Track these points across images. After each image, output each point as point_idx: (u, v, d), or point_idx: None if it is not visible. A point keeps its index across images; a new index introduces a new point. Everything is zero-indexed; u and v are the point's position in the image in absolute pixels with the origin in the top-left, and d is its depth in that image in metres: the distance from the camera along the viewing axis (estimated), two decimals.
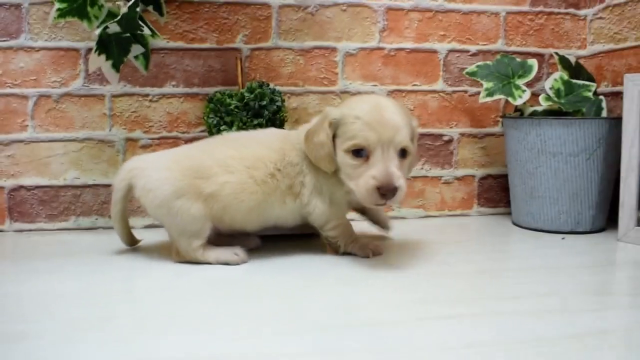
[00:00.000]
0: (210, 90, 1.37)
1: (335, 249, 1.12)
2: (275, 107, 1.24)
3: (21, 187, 1.34)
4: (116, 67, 1.18)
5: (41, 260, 1.09)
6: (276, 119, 1.24)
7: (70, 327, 0.74)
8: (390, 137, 0.95)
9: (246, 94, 1.22)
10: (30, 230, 1.35)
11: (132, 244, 1.17)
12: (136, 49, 1.19)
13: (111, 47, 1.17)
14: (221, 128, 1.21)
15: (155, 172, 1.05)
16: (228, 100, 1.22)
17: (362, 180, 0.95)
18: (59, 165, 1.34)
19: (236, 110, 1.21)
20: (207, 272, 1.00)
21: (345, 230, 1.10)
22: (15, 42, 1.33)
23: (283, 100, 1.26)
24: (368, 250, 1.09)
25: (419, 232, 1.33)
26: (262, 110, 1.22)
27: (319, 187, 1.06)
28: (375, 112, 0.97)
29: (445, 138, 1.49)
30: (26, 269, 1.03)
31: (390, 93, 1.45)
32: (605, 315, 0.79)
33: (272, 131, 1.15)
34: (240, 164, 1.05)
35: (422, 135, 1.48)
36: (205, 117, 1.25)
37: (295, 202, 1.07)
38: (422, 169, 1.48)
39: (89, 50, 1.33)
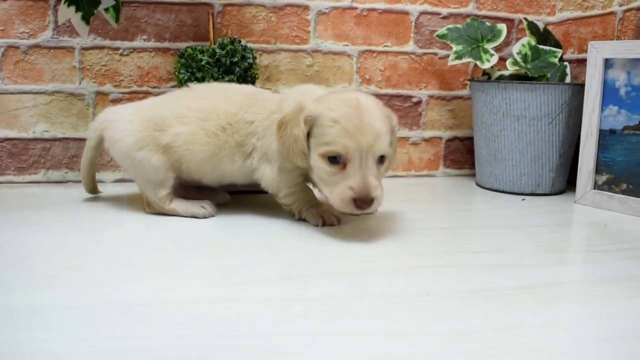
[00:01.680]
0: (182, 45, 1.37)
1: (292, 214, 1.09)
2: (246, 64, 1.25)
3: None
4: (86, 19, 1.17)
5: (11, 212, 1.09)
6: (247, 76, 1.25)
7: (41, 275, 0.75)
8: (370, 145, 0.90)
9: (217, 50, 1.23)
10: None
11: (93, 191, 1.22)
12: (107, 1, 1.18)
13: None
14: (191, 82, 1.21)
15: (120, 124, 1.08)
16: (199, 56, 1.22)
17: (337, 189, 0.91)
18: (28, 117, 1.34)
19: (207, 66, 1.22)
20: (176, 224, 1.02)
21: (301, 197, 1.06)
22: None
23: (254, 58, 1.27)
24: (319, 219, 1.03)
25: (385, 191, 1.34)
26: (233, 67, 1.23)
27: (269, 154, 1.03)
28: (355, 116, 0.91)
29: (414, 100, 1.52)
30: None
31: (362, 53, 1.47)
32: (557, 269, 0.83)
33: (242, 86, 1.14)
34: (195, 115, 1.06)
35: (392, 96, 1.50)
36: (176, 73, 1.25)
37: (244, 161, 1.05)
38: None
39: (59, 1, 1.31)
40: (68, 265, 0.79)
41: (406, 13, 1.48)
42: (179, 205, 1.08)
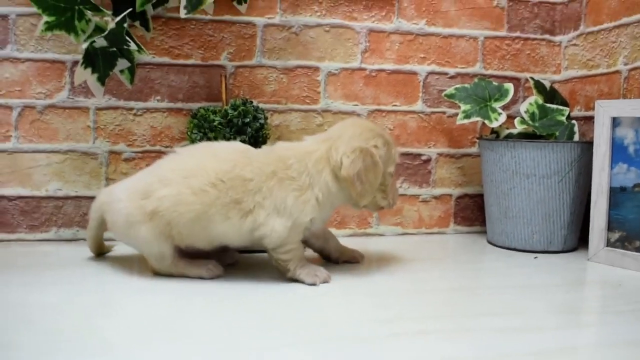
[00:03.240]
0: (194, 106, 1.40)
1: (283, 272, 1.08)
2: (258, 124, 1.26)
3: (3, 197, 1.35)
4: (102, 80, 1.20)
5: (21, 271, 1.10)
6: (259, 136, 1.27)
7: (50, 338, 0.75)
8: None
9: (230, 111, 1.25)
10: (10, 240, 1.36)
11: (101, 254, 1.24)
12: (122, 64, 1.21)
13: (97, 60, 1.19)
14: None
15: (114, 204, 1.09)
16: (212, 117, 1.24)
17: (389, 197, 1.13)
18: (41, 176, 1.36)
19: (220, 126, 1.24)
20: (184, 284, 1.02)
21: (297, 254, 1.07)
22: (1, 53, 1.34)
23: (266, 118, 1.29)
24: (315, 278, 1.05)
25: (396, 249, 1.36)
26: (245, 127, 1.25)
27: (282, 209, 1.03)
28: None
29: (424, 157, 1.53)
30: (5, 279, 1.04)
31: (371, 113, 1.49)
32: (572, 333, 0.82)
33: (231, 144, 1.14)
34: (179, 174, 1.05)
35: (402, 154, 1.51)
36: (188, 133, 1.27)
37: (242, 219, 1.03)
38: (400, 187, 1.52)
39: (75, 62, 1.35)
40: (78, 328, 0.79)
41: (414, 73, 1.51)
42: (185, 268, 1.08)
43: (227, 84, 1.39)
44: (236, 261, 1.19)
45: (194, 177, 1.04)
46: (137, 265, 1.15)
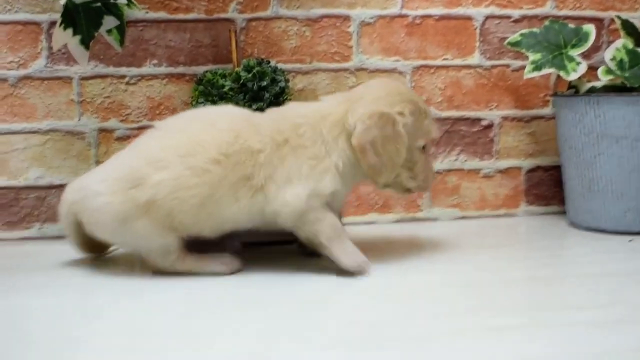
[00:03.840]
0: (199, 69, 1.40)
1: (318, 249, 1.08)
2: (277, 88, 1.26)
3: None
4: (85, 43, 1.20)
5: (1, 275, 1.11)
6: (279, 102, 1.26)
7: (43, 348, 0.76)
8: None
9: (242, 74, 1.24)
10: None
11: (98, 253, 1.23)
12: (109, 22, 1.21)
13: (79, 19, 1.19)
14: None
15: (92, 201, 1.06)
16: (221, 81, 1.24)
17: (429, 174, 1.14)
18: (18, 162, 1.37)
19: (231, 93, 1.23)
20: (189, 283, 1.03)
21: (329, 224, 1.05)
22: None
23: (287, 80, 1.28)
24: (354, 263, 1.04)
25: (454, 236, 1.35)
26: (262, 92, 1.24)
27: (296, 178, 1.04)
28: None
29: (484, 123, 1.51)
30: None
31: (416, 69, 1.47)
32: None
33: (226, 109, 1.14)
34: (173, 153, 1.04)
35: (456, 119, 1.49)
36: (193, 102, 1.27)
37: (252, 197, 1.04)
38: (456, 160, 1.50)
39: (52, 23, 1.35)
40: (69, 337, 0.80)
41: (469, 18, 1.49)
42: (194, 264, 1.09)
43: (238, 41, 1.39)
44: (237, 249, 1.20)
45: (192, 155, 1.04)
46: (140, 264, 1.16)
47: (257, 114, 1.12)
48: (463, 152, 1.51)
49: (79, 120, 1.38)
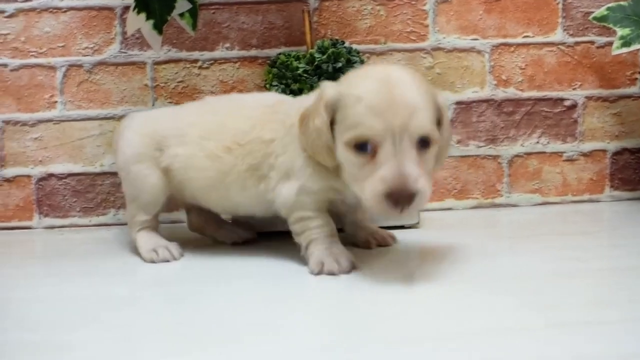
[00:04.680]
0: (272, 52, 1.39)
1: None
2: (353, 69, 1.24)
3: (51, 175, 1.41)
4: (158, 27, 1.21)
5: (77, 261, 1.13)
6: None
7: (119, 335, 0.76)
8: (404, 122, 0.86)
9: (317, 55, 1.23)
10: (62, 226, 1.42)
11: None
12: (182, 5, 1.21)
13: (152, 3, 1.19)
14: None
15: (127, 133, 1.16)
16: (295, 64, 1.23)
17: (368, 184, 0.87)
18: (94, 148, 1.40)
19: (305, 75, 1.23)
20: (265, 270, 1.02)
21: (313, 228, 1.01)
22: (38, 2, 1.39)
23: (362, 61, 1.27)
24: (318, 264, 0.97)
25: (534, 223, 1.32)
26: (337, 73, 1.22)
27: (291, 170, 1.01)
28: (383, 90, 0.88)
29: (567, 103, 1.47)
30: (60, 271, 1.07)
31: (495, 48, 1.44)
32: None
33: (265, 95, 1.16)
34: (196, 133, 1.09)
35: (537, 100, 1.45)
36: (267, 85, 1.27)
37: (258, 186, 1.05)
38: (537, 142, 1.46)
39: (126, 8, 1.37)
40: (151, 325, 0.80)
41: None
42: (144, 239, 1.13)
43: (312, 21, 1.37)
44: (250, 237, 1.22)
45: (211, 139, 1.08)
46: (213, 244, 1.17)
47: (295, 100, 1.09)
48: (544, 135, 1.47)
49: (153, 105, 1.40)
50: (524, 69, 1.45)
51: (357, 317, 0.80)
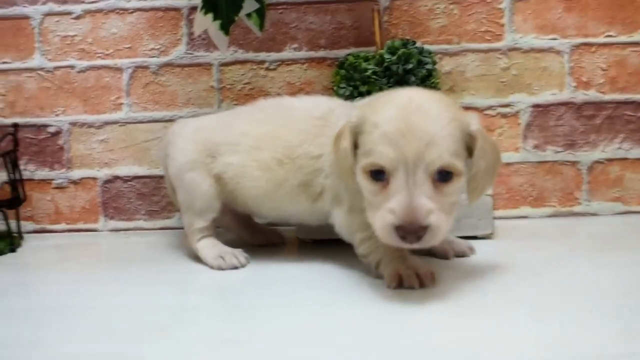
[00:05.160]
0: (341, 53, 1.37)
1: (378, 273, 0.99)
2: (424, 71, 1.22)
3: (117, 177, 1.42)
4: (225, 28, 1.20)
5: (141, 267, 1.13)
6: (426, 87, 1.21)
7: (187, 347, 0.75)
8: (418, 154, 0.83)
9: (387, 56, 1.21)
10: (127, 229, 1.42)
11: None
12: (249, 5, 1.20)
13: (219, 3, 1.19)
14: (355, 100, 1.20)
15: (180, 140, 1.16)
16: (364, 65, 1.21)
17: (379, 214, 0.86)
18: (160, 150, 1.39)
19: (374, 76, 1.20)
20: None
21: (381, 245, 0.95)
22: (105, 4, 1.40)
23: (434, 62, 1.23)
24: (395, 278, 0.93)
25: (616, 233, 1.26)
26: (408, 75, 1.21)
27: (339, 194, 1.01)
28: (401, 117, 0.86)
29: None
30: (125, 277, 1.08)
31: (576, 48, 1.38)
32: None
33: (316, 102, 1.13)
34: (248, 142, 1.10)
35: (619, 103, 1.39)
36: (335, 87, 1.25)
37: (314, 204, 1.06)
38: (619, 148, 1.40)
39: (193, 9, 1.37)
40: (214, 336, 0.78)
41: None
42: (207, 247, 1.13)
43: (382, 21, 1.34)
44: (281, 241, 1.26)
45: (263, 149, 1.08)
46: (279, 254, 1.14)
47: (344, 109, 1.05)
48: (627, 140, 1.40)
49: (219, 107, 1.40)
50: (605, 70, 1.39)
51: (431, 335, 0.76)
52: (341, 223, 1.03)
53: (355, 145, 0.92)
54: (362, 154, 0.90)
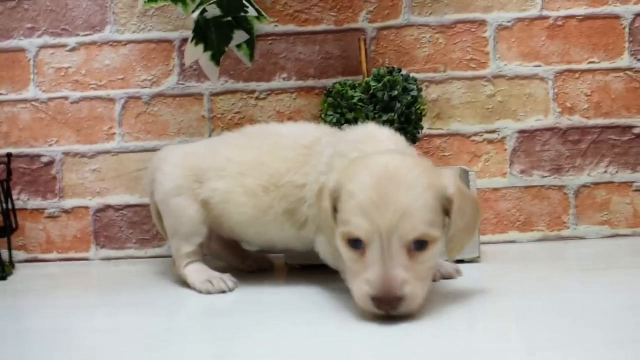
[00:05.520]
0: (329, 82, 1.39)
1: None
2: (409, 97, 1.23)
3: (108, 206, 1.43)
4: (216, 58, 1.23)
5: (131, 292, 1.14)
6: (411, 113, 1.23)
7: None
8: (393, 225, 0.84)
9: (372, 83, 1.22)
10: (118, 257, 1.43)
11: None
12: (239, 36, 1.23)
13: (210, 34, 1.22)
14: (342, 127, 1.21)
15: (166, 166, 1.17)
16: (350, 92, 1.22)
17: (356, 283, 0.87)
18: None
19: (360, 104, 1.21)
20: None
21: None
22: (99, 36, 1.43)
23: (420, 90, 1.25)
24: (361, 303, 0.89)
25: (604, 256, 1.27)
26: (393, 102, 1.22)
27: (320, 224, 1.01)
28: (376, 186, 0.86)
29: (636, 130, 1.42)
30: (114, 302, 1.09)
31: (559, 75, 1.41)
32: None
33: (302, 129, 1.15)
34: (234, 168, 1.11)
35: (604, 127, 1.41)
36: (322, 115, 1.26)
37: (299, 232, 1.08)
38: (605, 172, 1.42)
39: (184, 40, 1.40)
40: (205, 358, 0.79)
41: (616, 17, 1.41)
42: (195, 272, 1.13)
43: (368, 50, 1.37)
44: (269, 266, 1.27)
45: (249, 175, 1.10)
46: (270, 279, 1.15)
47: (331, 138, 1.07)
48: (613, 163, 1.42)
49: (210, 136, 1.42)
50: (589, 95, 1.41)
51: (418, 355, 0.77)
52: (325, 250, 1.04)
53: (335, 209, 0.92)
54: (340, 220, 0.90)
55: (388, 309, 0.84)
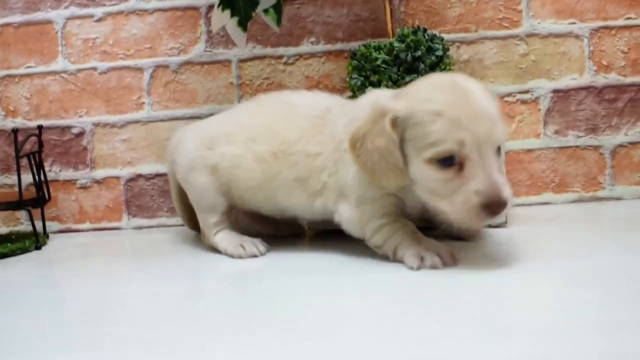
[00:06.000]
0: (358, 45, 1.37)
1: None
2: (434, 57, 1.20)
3: (139, 176, 1.45)
4: (243, 24, 1.22)
5: (163, 259, 1.15)
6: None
7: (205, 330, 0.76)
8: (488, 133, 0.88)
9: (396, 45, 1.20)
10: (150, 226, 1.45)
11: (195, 228, 1.27)
12: (266, 1, 1.22)
13: (236, 0, 1.20)
14: (367, 90, 1.20)
15: (182, 144, 1.20)
16: (374, 54, 1.21)
17: (460, 199, 0.88)
18: None
19: (384, 65, 1.20)
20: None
21: (394, 231, 0.99)
22: (125, 5, 1.44)
23: (446, 49, 1.22)
24: (417, 259, 0.94)
25: None
26: (417, 63, 1.19)
27: (345, 189, 1.02)
28: (461, 101, 0.89)
29: None
30: (147, 268, 1.10)
31: (595, 32, 1.38)
32: None
33: (317, 100, 1.13)
34: (244, 134, 1.12)
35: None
36: (348, 78, 1.25)
37: (311, 199, 1.07)
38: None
39: (210, 7, 1.40)
40: (236, 320, 0.80)
41: None
42: (226, 238, 1.15)
43: (397, 12, 1.36)
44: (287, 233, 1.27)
45: (259, 141, 1.11)
46: (301, 246, 1.15)
47: (342, 108, 1.08)
48: None
49: (239, 102, 1.42)
50: (626, 52, 1.38)
51: (451, 310, 0.77)
52: (349, 218, 1.03)
53: (400, 140, 0.93)
54: (422, 146, 0.90)
55: (500, 212, 0.88)
